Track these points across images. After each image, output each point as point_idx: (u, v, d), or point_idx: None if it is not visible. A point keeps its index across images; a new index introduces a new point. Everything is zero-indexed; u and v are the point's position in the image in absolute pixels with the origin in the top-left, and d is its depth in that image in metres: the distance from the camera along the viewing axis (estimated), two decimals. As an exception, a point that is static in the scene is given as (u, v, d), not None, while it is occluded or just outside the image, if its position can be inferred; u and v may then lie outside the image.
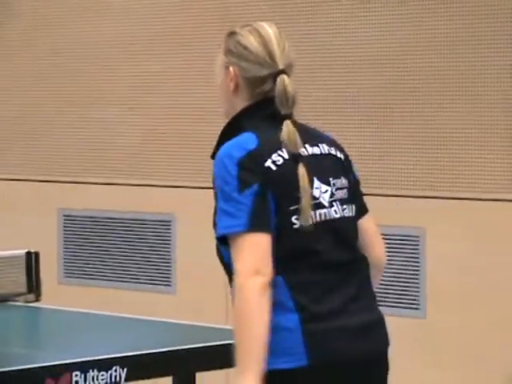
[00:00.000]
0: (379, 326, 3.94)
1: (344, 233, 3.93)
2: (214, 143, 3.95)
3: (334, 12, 8.09)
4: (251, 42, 3.91)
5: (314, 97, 8.04)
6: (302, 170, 3.80)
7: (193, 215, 8.16)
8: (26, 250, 6.61)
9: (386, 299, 7.62)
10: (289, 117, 3.89)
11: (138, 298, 8.59)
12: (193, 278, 8.47)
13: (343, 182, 3.96)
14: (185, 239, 8.33)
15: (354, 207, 3.97)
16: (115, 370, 4.88)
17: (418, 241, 7.65)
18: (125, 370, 4.90)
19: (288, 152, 3.83)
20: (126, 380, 4.93)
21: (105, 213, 8.99)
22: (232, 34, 3.98)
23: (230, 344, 4.23)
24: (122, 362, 4.92)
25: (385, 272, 7.84)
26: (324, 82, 8.09)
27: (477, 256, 7.47)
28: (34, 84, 9.56)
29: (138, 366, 5.00)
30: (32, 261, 6.56)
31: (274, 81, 3.89)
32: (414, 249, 7.70)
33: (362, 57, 7.93)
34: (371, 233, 4.09)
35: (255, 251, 3.69)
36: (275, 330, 3.71)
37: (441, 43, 7.67)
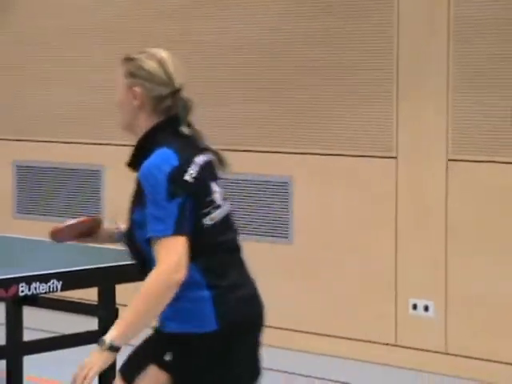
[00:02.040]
0: (259, 294, 3.93)
1: (231, 222, 3.93)
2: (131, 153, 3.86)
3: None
4: (152, 65, 3.81)
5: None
6: (207, 179, 3.80)
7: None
8: None
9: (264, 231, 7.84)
10: (188, 130, 3.84)
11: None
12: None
13: (220, 181, 3.95)
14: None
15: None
16: (53, 282, 4.98)
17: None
18: (60, 282, 5.01)
19: (196, 164, 3.76)
20: (61, 290, 5.04)
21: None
22: (130, 59, 3.87)
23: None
24: (58, 276, 5.01)
25: (264, 210, 7.94)
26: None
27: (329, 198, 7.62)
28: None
29: (71, 279, 5.08)
30: None
31: (173, 98, 3.81)
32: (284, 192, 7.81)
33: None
34: None
35: (177, 251, 3.64)
36: (191, 302, 3.71)
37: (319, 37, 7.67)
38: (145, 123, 3.84)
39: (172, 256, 3.63)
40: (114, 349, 3.64)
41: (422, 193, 7.31)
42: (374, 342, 7.48)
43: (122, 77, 3.86)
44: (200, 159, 3.80)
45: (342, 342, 7.58)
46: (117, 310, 5.50)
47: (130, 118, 3.87)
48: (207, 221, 3.76)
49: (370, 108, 7.48)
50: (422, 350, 7.33)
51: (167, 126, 3.82)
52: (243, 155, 7.84)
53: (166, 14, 8.34)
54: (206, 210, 3.76)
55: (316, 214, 7.69)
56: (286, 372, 7.16)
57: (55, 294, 5.17)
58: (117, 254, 5.61)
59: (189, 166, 3.73)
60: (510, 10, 6.90)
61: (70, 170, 8.99)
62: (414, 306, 7.33)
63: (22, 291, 4.89)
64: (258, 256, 7.76)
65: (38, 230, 8.04)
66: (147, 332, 3.86)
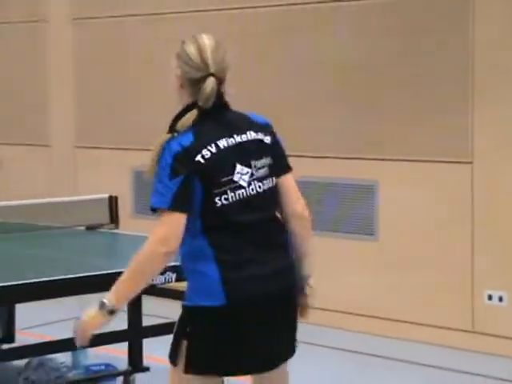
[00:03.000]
0: (288, 271, 3.76)
1: (259, 202, 3.72)
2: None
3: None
4: (191, 50, 3.73)
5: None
6: (228, 159, 3.65)
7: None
8: (108, 194, 6.75)
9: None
10: (220, 113, 3.73)
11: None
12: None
13: (265, 161, 3.75)
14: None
15: (272, 179, 3.77)
16: (168, 275, 5.09)
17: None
18: (174, 274, 5.08)
19: (215, 145, 3.65)
20: (175, 281, 5.15)
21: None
22: (182, 42, 3.81)
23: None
24: (172, 269, 4.99)
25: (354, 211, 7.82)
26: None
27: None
28: None
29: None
30: (113, 202, 6.72)
31: (205, 82, 3.68)
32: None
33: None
34: (289, 190, 3.84)
35: (170, 225, 3.56)
36: (201, 276, 3.63)
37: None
38: (186, 102, 3.77)
39: (163, 228, 3.56)
40: (112, 312, 3.64)
41: (496, 194, 7.26)
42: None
43: (174, 58, 3.80)
44: (224, 142, 3.68)
45: (425, 329, 7.58)
46: None
47: (178, 96, 3.81)
48: (222, 200, 3.63)
49: (447, 117, 7.43)
50: (497, 336, 7.32)
51: (198, 108, 3.69)
52: (335, 161, 7.90)
53: (266, 31, 8.37)
54: (221, 190, 3.63)
55: (400, 214, 7.68)
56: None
57: (170, 284, 5.25)
58: None
59: (205, 147, 3.63)
60: None
61: None
62: (490, 297, 7.31)
63: None
64: (347, 251, 7.93)
65: (152, 227, 8.32)
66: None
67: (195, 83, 3.70)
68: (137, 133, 9.29)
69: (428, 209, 7.59)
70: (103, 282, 4.72)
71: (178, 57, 3.77)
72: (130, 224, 8.06)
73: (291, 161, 3.88)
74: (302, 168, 7.83)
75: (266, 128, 3.83)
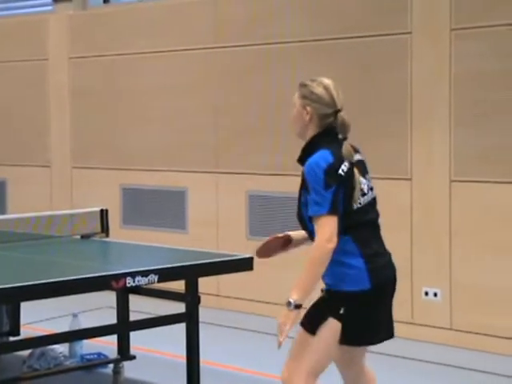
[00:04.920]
0: (393, 261, 4.10)
1: (373, 205, 4.03)
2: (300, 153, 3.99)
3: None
4: (321, 91, 3.94)
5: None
6: (356, 173, 3.89)
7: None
8: (100, 208, 6.66)
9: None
10: (345, 139, 3.97)
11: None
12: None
13: (369, 175, 4.07)
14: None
15: (374, 189, 4.07)
16: (151, 276, 4.99)
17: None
18: (157, 275, 5.01)
19: (348, 162, 3.88)
20: (157, 282, 5.03)
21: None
22: (304, 85, 4.00)
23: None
24: (155, 271, 5.01)
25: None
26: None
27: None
28: None
29: (165, 273, 5.05)
30: (104, 214, 6.63)
31: (335, 116, 3.94)
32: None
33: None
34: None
35: (330, 227, 3.78)
36: (350, 268, 3.87)
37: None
38: (312, 132, 3.97)
39: (326, 230, 3.77)
40: (298, 306, 3.78)
41: (431, 204, 7.27)
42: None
43: (298, 98, 4.01)
44: (353, 158, 3.94)
45: None
46: (199, 297, 5.48)
47: (302, 128, 4.00)
48: (356, 204, 3.89)
49: (391, 141, 7.45)
50: (432, 326, 7.34)
51: (328, 135, 3.94)
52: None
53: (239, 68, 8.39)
54: (355, 197, 3.88)
55: None
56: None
57: (153, 285, 5.18)
58: (199, 255, 5.73)
59: (342, 163, 3.85)
60: (498, 63, 6.91)
61: (162, 191, 8.98)
62: (426, 293, 7.33)
63: (129, 283, 4.92)
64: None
65: (138, 236, 8.24)
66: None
67: (325, 118, 3.95)
68: (124, 155, 9.29)
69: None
70: (96, 283, 4.88)
71: (304, 97, 3.98)
72: (119, 233, 8.03)
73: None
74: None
75: (360, 151, 4.12)
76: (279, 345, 3.82)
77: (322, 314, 3.93)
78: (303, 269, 3.82)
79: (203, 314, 5.64)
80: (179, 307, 5.57)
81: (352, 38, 7.66)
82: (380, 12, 7.50)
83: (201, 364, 5.58)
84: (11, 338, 6.46)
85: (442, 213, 7.24)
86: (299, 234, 4.32)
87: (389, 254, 4.08)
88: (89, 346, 6.45)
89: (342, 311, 3.89)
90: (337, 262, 3.86)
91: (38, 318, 7.57)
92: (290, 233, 4.38)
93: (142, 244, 6.56)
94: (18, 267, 5.53)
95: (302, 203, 3.96)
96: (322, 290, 4.02)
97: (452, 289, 7.22)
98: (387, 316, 4.07)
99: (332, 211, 3.79)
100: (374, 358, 6.83)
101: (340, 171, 3.84)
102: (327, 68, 7.76)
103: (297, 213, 4.05)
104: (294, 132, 4.08)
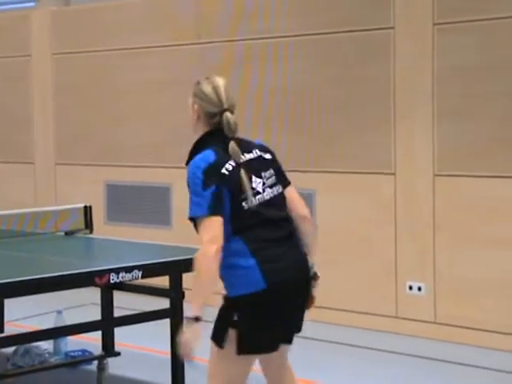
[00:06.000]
0: (304, 264, 3.88)
1: (275, 205, 3.85)
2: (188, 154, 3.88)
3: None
4: (208, 90, 3.86)
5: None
6: (244, 172, 3.77)
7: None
8: (84, 204, 6.66)
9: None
10: (233, 138, 3.83)
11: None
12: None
13: (271, 172, 3.90)
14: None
15: (280, 186, 3.92)
16: (135, 272, 5.00)
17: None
18: (140, 271, 5.02)
19: (234, 161, 3.78)
20: (141, 278, 5.05)
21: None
22: (197, 83, 3.93)
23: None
24: (139, 267, 5.03)
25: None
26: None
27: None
28: None
29: (149, 269, 5.09)
30: (88, 210, 6.64)
31: (221, 116, 3.84)
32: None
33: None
34: (294, 198, 4.00)
35: (211, 228, 3.63)
36: (240, 268, 3.70)
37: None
38: (201, 131, 3.90)
39: (208, 232, 3.62)
40: (196, 319, 3.61)
41: (414, 199, 7.28)
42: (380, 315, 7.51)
43: (190, 96, 3.94)
44: (243, 156, 3.82)
45: (355, 316, 7.59)
46: (183, 292, 5.45)
47: (193, 126, 3.93)
48: (247, 204, 3.74)
49: (375, 136, 7.46)
50: (416, 320, 7.36)
51: (216, 134, 3.84)
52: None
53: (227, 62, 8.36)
54: (244, 196, 3.74)
55: (334, 218, 7.64)
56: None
57: (137, 281, 5.17)
58: (183, 251, 5.59)
59: (226, 162, 3.75)
60: (480, 57, 6.92)
61: (146, 188, 8.99)
62: (410, 287, 7.34)
63: (113, 279, 4.92)
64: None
65: (122, 233, 8.20)
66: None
67: (211, 117, 3.86)
68: (108, 151, 9.26)
69: (359, 213, 7.57)
70: (80, 280, 4.87)
71: (194, 95, 3.91)
72: (103, 230, 8.04)
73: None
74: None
75: (263, 147, 4.01)
76: (186, 358, 3.69)
77: (221, 323, 3.78)
78: (193, 281, 3.68)
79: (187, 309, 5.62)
80: (164, 303, 5.55)
81: (336, 32, 7.65)
82: (363, 7, 7.50)
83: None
84: None
85: (425, 207, 7.25)
86: None
87: (291, 257, 3.84)
88: (73, 343, 6.41)
89: (235, 317, 3.72)
90: (226, 265, 3.71)
91: (21, 315, 7.54)
92: None
93: (125, 240, 6.53)
94: (1, 264, 5.51)
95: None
96: (222, 296, 3.85)
97: (436, 283, 7.22)
98: (290, 318, 3.87)
99: (213, 211, 3.66)
100: (359, 351, 6.95)
101: (223, 170, 3.75)
102: (311, 62, 7.81)
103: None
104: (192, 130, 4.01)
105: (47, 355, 6.23)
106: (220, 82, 3.91)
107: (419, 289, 7.30)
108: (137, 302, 6.59)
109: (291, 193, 4.02)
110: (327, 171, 7.73)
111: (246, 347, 3.73)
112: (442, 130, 7.12)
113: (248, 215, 3.75)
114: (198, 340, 3.62)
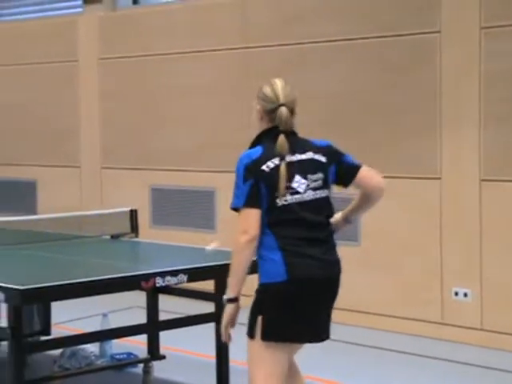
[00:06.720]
0: (336, 264, 3.97)
1: (314, 207, 3.92)
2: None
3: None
4: (267, 89, 4.01)
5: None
6: (284, 171, 3.86)
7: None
8: (130, 208, 6.73)
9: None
10: (286, 133, 3.93)
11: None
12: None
13: (319, 175, 3.95)
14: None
15: (326, 191, 3.98)
16: (180, 276, 5.03)
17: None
18: (186, 275, 5.05)
19: (279, 158, 3.88)
20: (187, 282, 5.07)
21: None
22: (260, 87, 4.07)
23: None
24: (185, 271, 5.05)
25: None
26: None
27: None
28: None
29: (194, 273, 5.09)
30: (133, 214, 6.69)
31: (276, 111, 3.96)
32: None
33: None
34: (367, 174, 4.07)
35: (246, 219, 3.82)
36: (268, 261, 3.86)
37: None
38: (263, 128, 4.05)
39: (242, 223, 3.82)
40: (231, 300, 3.89)
41: (460, 204, 7.23)
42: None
43: (255, 99, 4.09)
44: (290, 157, 3.90)
45: (402, 322, 7.54)
46: None
47: (258, 127, 4.06)
48: (281, 201, 3.85)
49: (421, 141, 7.42)
50: (462, 327, 7.29)
51: (271, 132, 3.97)
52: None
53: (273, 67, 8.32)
54: (278, 193, 3.85)
55: (380, 222, 7.56)
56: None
57: (182, 284, 5.20)
58: (228, 255, 5.57)
59: (269, 160, 3.87)
60: None
61: (190, 192, 9.02)
62: (456, 293, 7.28)
63: (158, 283, 4.95)
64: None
65: (166, 236, 8.19)
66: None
67: (270, 113, 3.99)
68: (153, 155, 9.32)
69: (405, 217, 7.55)
70: (126, 283, 4.90)
71: (257, 97, 4.06)
72: (148, 233, 8.08)
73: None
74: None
75: (322, 149, 4.04)
76: (227, 341, 3.98)
77: (251, 313, 3.93)
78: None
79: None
80: (208, 307, 5.56)
81: (382, 37, 7.63)
82: (409, 11, 7.48)
83: (230, 363, 5.59)
84: (42, 338, 6.47)
85: (471, 212, 7.19)
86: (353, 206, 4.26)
87: (325, 261, 3.93)
88: (119, 346, 6.46)
89: (261, 305, 3.89)
90: (259, 255, 3.91)
91: (68, 318, 7.59)
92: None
93: (171, 244, 6.57)
94: (48, 267, 5.56)
95: None
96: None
97: (482, 289, 7.16)
98: (315, 317, 3.94)
99: (249, 204, 3.84)
100: (404, 357, 6.88)
101: (264, 167, 3.88)
102: (356, 67, 7.80)
103: None
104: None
105: (93, 358, 6.30)
106: (278, 81, 4.06)
107: (465, 295, 7.24)
108: (182, 305, 6.58)
109: (362, 172, 4.08)
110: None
111: (269, 333, 3.86)
112: (489, 134, 7.06)
113: (281, 212, 3.88)
114: (233, 319, 3.92)
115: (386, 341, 7.31)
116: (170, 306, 6.57)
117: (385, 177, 7.58)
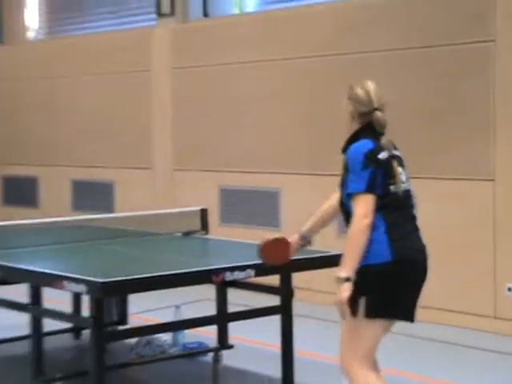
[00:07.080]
0: (426, 250, 4.17)
1: (409, 196, 4.16)
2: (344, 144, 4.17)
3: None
4: (360, 92, 4.15)
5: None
6: (395, 162, 4.10)
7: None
8: (201, 207, 6.79)
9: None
10: (383, 134, 4.14)
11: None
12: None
13: (406, 170, 4.22)
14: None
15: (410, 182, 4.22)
16: (249, 271, 5.07)
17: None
18: (253, 270, 5.07)
19: (387, 152, 4.09)
20: (254, 276, 5.09)
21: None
22: (351, 87, 4.21)
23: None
24: (252, 266, 5.06)
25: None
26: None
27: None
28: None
29: (261, 268, 4.99)
30: (204, 213, 6.76)
31: (371, 114, 4.13)
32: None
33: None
34: None
35: (365, 204, 3.96)
36: (374, 242, 3.98)
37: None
38: (355, 128, 4.19)
39: (362, 207, 3.96)
40: (346, 279, 3.94)
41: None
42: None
43: (345, 99, 4.23)
44: (392, 151, 4.13)
45: (456, 315, 7.57)
46: (292, 290, 5.53)
47: (348, 125, 4.22)
48: (392, 188, 4.05)
49: (475, 144, 7.44)
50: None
51: (368, 130, 4.13)
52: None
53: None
54: (392, 181, 4.06)
55: (437, 222, 7.59)
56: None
57: (250, 279, 5.29)
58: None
59: (381, 151, 4.06)
60: None
61: (257, 192, 9.10)
62: (509, 289, 7.29)
63: (227, 277, 5.01)
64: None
65: (235, 234, 8.20)
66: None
67: (364, 116, 4.14)
68: (222, 158, 9.43)
69: (459, 217, 7.56)
70: (198, 277, 5.00)
71: (348, 98, 4.19)
72: (217, 231, 8.15)
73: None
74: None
75: (397, 149, 4.27)
76: (343, 317, 4.00)
77: (355, 292, 3.99)
78: (345, 245, 3.97)
79: (295, 306, 5.69)
80: (271, 299, 5.62)
81: (437, 46, 7.66)
82: (464, 20, 7.48)
83: (294, 354, 5.65)
84: (120, 327, 6.62)
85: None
86: (311, 225, 4.54)
87: (421, 245, 4.16)
88: (190, 336, 6.56)
89: (366, 285, 3.98)
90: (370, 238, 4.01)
91: (144, 309, 7.69)
92: (303, 229, 4.56)
93: (239, 241, 6.60)
94: (126, 262, 5.64)
95: (344, 187, 4.12)
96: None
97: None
98: (411, 298, 4.12)
99: (368, 189, 3.97)
100: (459, 351, 6.81)
101: (380, 156, 4.04)
102: (411, 76, 7.84)
103: (339, 199, 4.22)
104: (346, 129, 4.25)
105: (166, 346, 6.44)
106: (370, 85, 4.20)
107: (520, 290, 7.22)
108: (249, 298, 6.57)
109: None
110: (431, 177, 7.73)
111: (374, 311, 4.00)
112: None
113: (391, 198, 4.04)
114: (348, 297, 3.93)
115: (442, 333, 7.29)
116: (238, 299, 6.56)
117: (441, 179, 7.68)
